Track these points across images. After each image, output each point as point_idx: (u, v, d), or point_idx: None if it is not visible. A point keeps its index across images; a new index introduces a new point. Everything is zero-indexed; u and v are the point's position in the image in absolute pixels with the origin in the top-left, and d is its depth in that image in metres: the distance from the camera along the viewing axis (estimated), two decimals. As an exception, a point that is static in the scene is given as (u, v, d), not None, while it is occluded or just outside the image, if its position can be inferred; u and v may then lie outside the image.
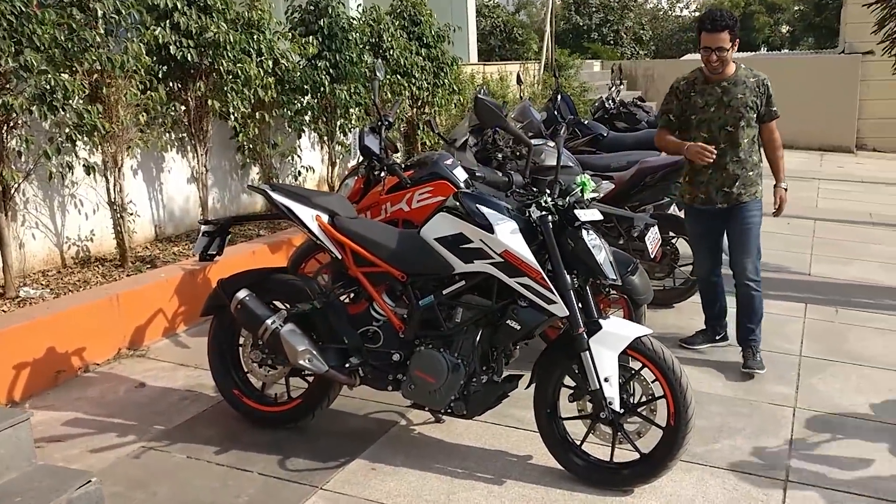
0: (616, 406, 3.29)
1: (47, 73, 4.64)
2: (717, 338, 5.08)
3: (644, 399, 3.39)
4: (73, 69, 4.96)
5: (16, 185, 4.98)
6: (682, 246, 5.78)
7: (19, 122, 4.79)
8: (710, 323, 5.10)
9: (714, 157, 4.43)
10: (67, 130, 4.98)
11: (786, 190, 4.74)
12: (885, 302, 6.05)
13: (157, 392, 4.40)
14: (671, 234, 5.71)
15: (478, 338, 3.47)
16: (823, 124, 14.72)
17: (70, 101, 4.82)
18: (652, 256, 5.33)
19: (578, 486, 3.43)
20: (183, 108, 6.18)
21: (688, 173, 4.76)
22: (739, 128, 4.52)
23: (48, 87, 4.63)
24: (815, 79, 14.70)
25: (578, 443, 3.50)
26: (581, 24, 23.54)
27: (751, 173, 4.61)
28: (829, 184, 11.81)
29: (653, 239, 5.32)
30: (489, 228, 3.33)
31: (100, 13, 4.98)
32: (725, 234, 4.80)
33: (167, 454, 3.71)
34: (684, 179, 4.80)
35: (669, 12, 30.12)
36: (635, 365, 3.38)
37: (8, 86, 4.55)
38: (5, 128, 4.74)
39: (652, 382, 3.36)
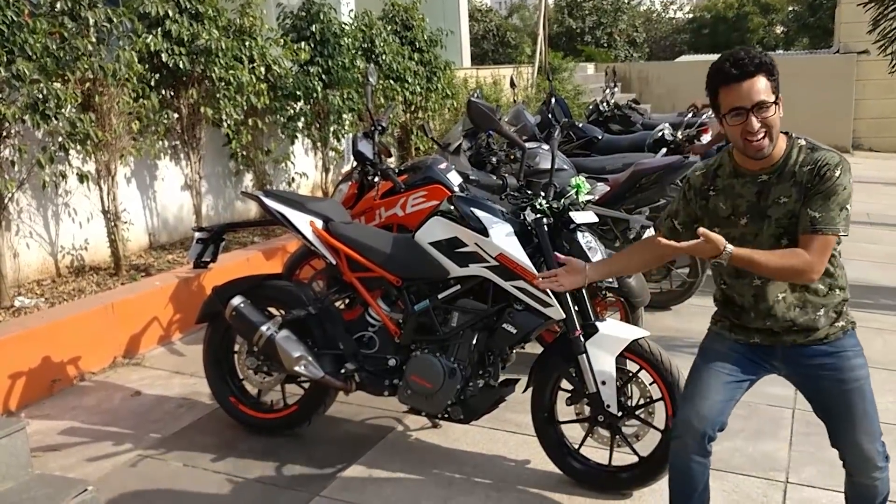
0: (614, 409, 3.27)
1: (39, 82, 4.64)
2: None
3: (642, 402, 3.37)
4: (66, 78, 4.96)
5: (9, 195, 4.98)
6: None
7: (12, 131, 4.78)
8: None
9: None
10: (60, 139, 4.98)
11: (726, 256, 2.48)
12: (883, 302, 6.05)
13: (153, 400, 4.38)
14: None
15: (474, 342, 3.45)
16: (819, 124, 14.70)
17: (63, 110, 4.82)
18: (648, 258, 5.31)
19: (577, 490, 3.42)
20: (176, 115, 6.17)
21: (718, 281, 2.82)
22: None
23: (40, 95, 4.63)
24: (810, 79, 14.71)
25: (576, 446, 3.48)
26: (574, 26, 23.57)
27: (824, 299, 2.65)
28: (825, 184, 11.80)
29: (649, 241, 5.30)
30: (484, 232, 3.33)
31: (91, 22, 4.99)
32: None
33: (164, 462, 3.69)
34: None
35: (663, 14, 30.21)
36: (633, 367, 3.37)
37: (0, 95, 4.53)
38: (-2, 137, 4.73)
39: (650, 385, 3.34)
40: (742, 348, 2.76)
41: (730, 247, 2.48)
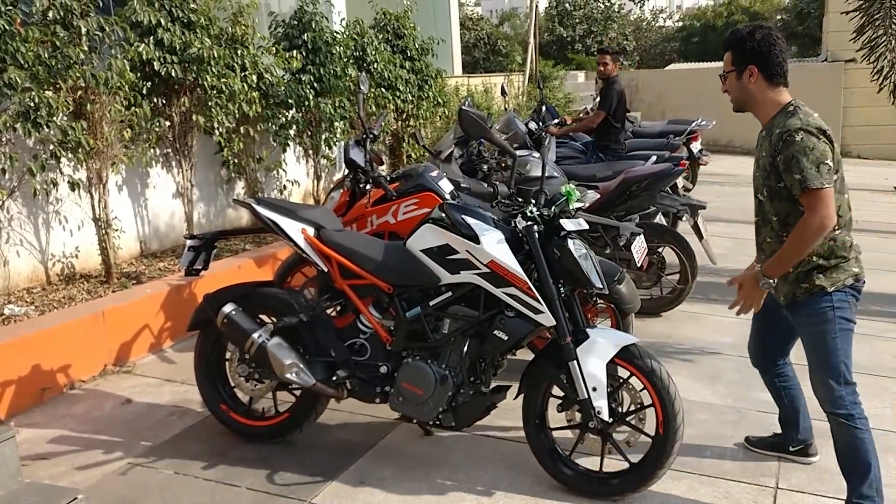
0: (605, 415, 3.28)
1: (31, 90, 4.64)
2: (792, 449, 3.75)
3: (633, 408, 3.39)
4: (58, 86, 4.96)
5: (0, 203, 4.96)
6: (669, 255, 5.80)
7: (3, 139, 4.78)
8: (783, 427, 3.81)
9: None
10: (52, 147, 4.98)
11: (765, 283, 3.17)
12: (871, 308, 6.07)
13: (144, 408, 4.37)
14: (657, 242, 5.73)
15: (465, 349, 3.46)
16: (807, 132, 14.81)
17: (54, 118, 4.82)
18: (638, 265, 5.35)
19: (568, 497, 3.42)
20: (167, 123, 6.17)
21: None
22: (765, 198, 3.23)
23: (32, 104, 4.63)
24: (798, 87, 14.54)
25: (567, 453, 3.50)
26: (565, 35, 23.69)
27: (799, 268, 3.19)
28: (814, 191, 11.86)
29: (639, 248, 5.33)
30: (475, 239, 3.34)
31: (83, 30, 4.99)
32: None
33: (154, 470, 3.69)
34: None
35: (653, 23, 30.34)
36: (623, 374, 3.38)
37: (-9, 103, 4.54)
38: (-11, 145, 4.73)
39: (640, 391, 3.36)
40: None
41: (757, 268, 3.21)
